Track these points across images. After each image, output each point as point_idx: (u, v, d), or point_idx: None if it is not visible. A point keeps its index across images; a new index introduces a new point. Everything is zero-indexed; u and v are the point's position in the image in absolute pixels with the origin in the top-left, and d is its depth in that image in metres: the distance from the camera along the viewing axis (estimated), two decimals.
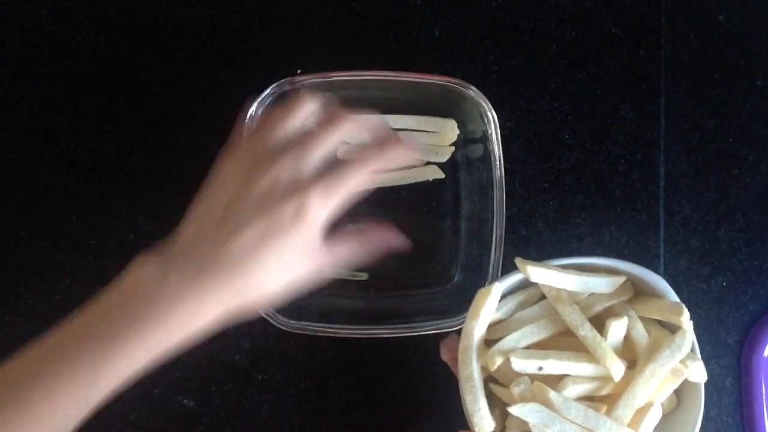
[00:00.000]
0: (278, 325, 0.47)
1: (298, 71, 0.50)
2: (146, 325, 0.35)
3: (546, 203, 0.53)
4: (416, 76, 0.48)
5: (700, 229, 0.54)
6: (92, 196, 0.53)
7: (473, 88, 0.47)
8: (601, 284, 0.42)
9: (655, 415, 0.39)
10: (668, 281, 0.54)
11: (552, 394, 0.38)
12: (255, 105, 0.47)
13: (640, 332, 0.41)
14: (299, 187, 0.36)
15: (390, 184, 0.52)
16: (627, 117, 0.54)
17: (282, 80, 0.48)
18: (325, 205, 0.36)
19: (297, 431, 0.52)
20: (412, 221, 0.53)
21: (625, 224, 0.53)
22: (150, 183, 0.53)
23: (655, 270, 0.53)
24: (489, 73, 0.54)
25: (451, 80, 0.47)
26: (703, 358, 0.54)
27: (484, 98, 0.47)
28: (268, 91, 0.47)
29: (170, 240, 0.38)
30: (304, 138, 0.38)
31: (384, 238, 0.42)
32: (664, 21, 0.54)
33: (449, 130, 0.51)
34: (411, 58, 0.54)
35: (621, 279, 0.42)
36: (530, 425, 0.38)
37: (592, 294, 0.42)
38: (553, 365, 0.39)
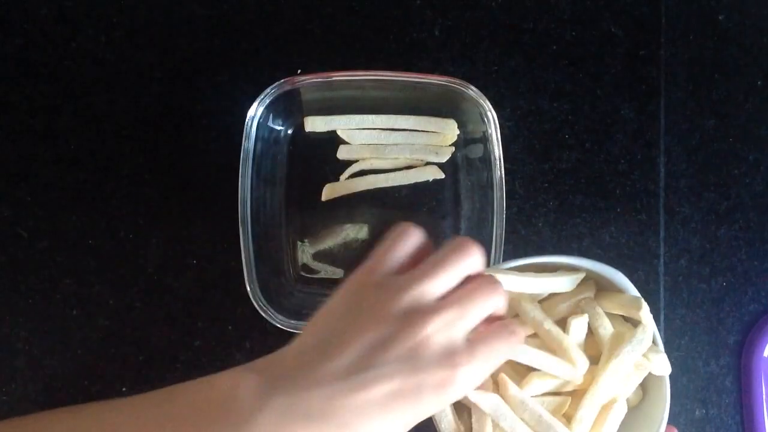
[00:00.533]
0: (278, 325, 0.47)
1: (298, 71, 0.50)
2: None
3: (546, 203, 0.53)
4: (416, 76, 0.48)
5: (700, 229, 0.54)
6: (92, 196, 0.53)
7: (473, 88, 0.47)
8: (560, 283, 0.41)
9: (620, 411, 0.39)
10: (668, 281, 0.54)
11: (513, 390, 0.38)
12: (255, 105, 0.47)
13: (606, 329, 0.40)
14: (451, 355, 0.32)
15: (390, 185, 0.52)
16: (627, 117, 0.54)
17: (282, 80, 0.48)
18: (471, 382, 0.32)
19: None
20: (412, 221, 0.53)
21: (625, 224, 0.53)
22: (150, 183, 0.53)
23: (655, 270, 0.53)
24: (489, 73, 0.54)
25: (451, 80, 0.47)
26: (703, 358, 0.54)
27: (484, 98, 0.47)
28: (268, 91, 0.48)
29: (276, 358, 0.33)
30: (463, 299, 0.33)
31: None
32: (664, 21, 0.54)
33: (449, 130, 0.51)
34: (411, 58, 0.54)
35: (580, 275, 0.41)
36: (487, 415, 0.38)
37: (555, 294, 0.42)
38: (520, 355, 0.39)
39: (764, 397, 0.53)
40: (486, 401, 0.38)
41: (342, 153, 0.51)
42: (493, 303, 0.34)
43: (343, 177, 0.52)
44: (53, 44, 0.53)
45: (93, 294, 0.52)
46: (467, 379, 0.32)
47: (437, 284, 0.33)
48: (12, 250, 0.52)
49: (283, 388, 0.31)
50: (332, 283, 0.52)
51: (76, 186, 0.53)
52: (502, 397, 0.38)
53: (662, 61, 0.54)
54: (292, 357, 0.33)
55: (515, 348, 0.35)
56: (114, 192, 0.53)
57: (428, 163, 0.52)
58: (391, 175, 0.52)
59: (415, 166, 0.52)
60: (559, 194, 0.53)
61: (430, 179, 0.52)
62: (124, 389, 0.52)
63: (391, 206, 0.52)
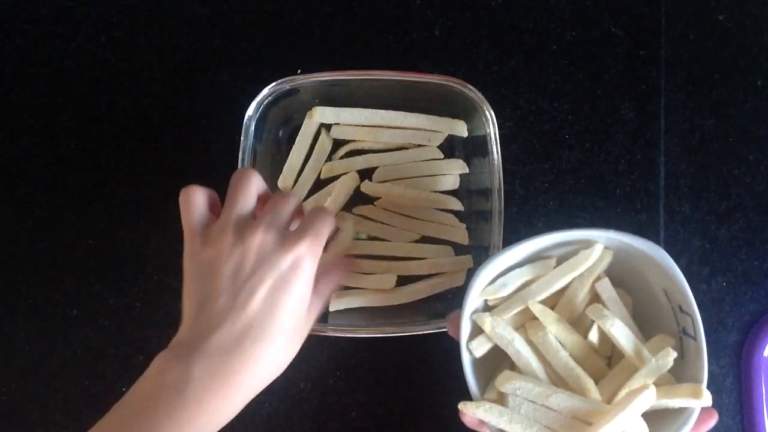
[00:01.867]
0: None
1: (298, 71, 0.50)
2: (182, 416, 0.35)
3: (546, 203, 0.53)
4: (416, 76, 0.48)
5: (700, 229, 0.54)
6: (92, 196, 0.53)
7: (472, 88, 0.47)
8: (576, 264, 0.40)
9: (648, 398, 0.38)
10: None
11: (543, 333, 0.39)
12: (254, 105, 0.48)
13: (618, 332, 0.40)
14: (288, 242, 0.38)
15: (388, 163, 0.52)
16: (627, 117, 0.54)
17: (282, 80, 0.48)
18: (315, 252, 0.39)
19: (297, 431, 0.52)
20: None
21: (625, 224, 0.53)
22: (150, 183, 0.53)
23: None
24: (489, 73, 0.54)
25: (451, 80, 0.47)
26: None
27: (484, 98, 0.47)
28: (267, 90, 0.48)
29: (180, 335, 0.38)
30: (271, 202, 0.40)
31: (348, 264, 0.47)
32: (664, 21, 0.54)
33: (459, 131, 0.51)
34: (411, 58, 0.54)
35: (598, 247, 0.40)
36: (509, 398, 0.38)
37: (569, 285, 0.41)
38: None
39: (764, 397, 0.53)
40: (514, 388, 0.38)
41: (335, 132, 0.51)
42: (291, 202, 0.41)
43: (337, 156, 0.52)
44: (53, 44, 0.53)
45: (93, 294, 0.52)
46: (310, 249, 0.38)
47: (240, 206, 0.39)
48: (12, 250, 0.52)
49: (197, 350, 0.36)
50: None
51: (76, 186, 0.53)
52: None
53: (662, 61, 0.54)
54: (189, 324, 0.38)
55: (330, 215, 0.40)
56: (114, 192, 0.53)
57: (446, 156, 0.52)
58: (390, 154, 0.52)
59: (436, 159, 0.52)
60: (559, 194, 0.53)
61: (429, 158, 0.52)
62: (124, 389, 0.52)
63: None
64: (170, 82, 0.53)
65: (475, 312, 0.41)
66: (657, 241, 0.53)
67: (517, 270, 0.41)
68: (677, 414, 0.39)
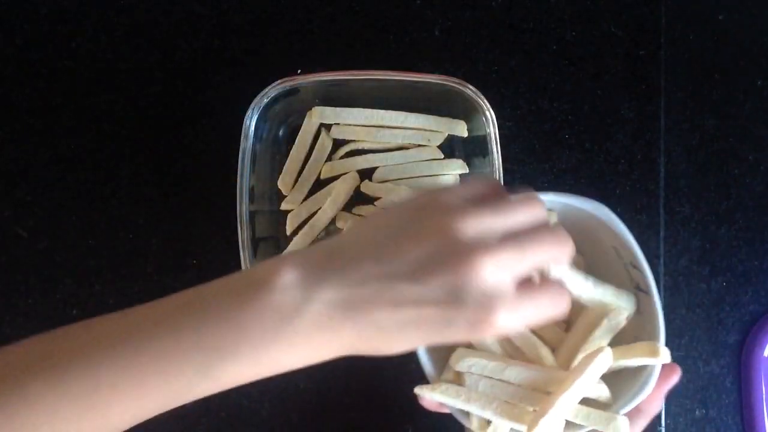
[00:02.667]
0: None
1: (298, 71, 0.50)
2: (269, 349, 0.31)
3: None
4: (416, 76, 0.48)
5: (700, 229, 0.54)
6: (92, 196, 0.53)
7: (473, 87, 0.47)
8: None
9: (605, 361, 0.37)
10: (668, 281, 0.54)
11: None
12: (254, 105, 0.47)
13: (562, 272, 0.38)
14: (493, 299, 0.30)
15: (388, 164, 0.52)
16: (627, 117, 0.54)
17: (282, 80, 0.48)
18: (503, 330, 0.31)
19: (297, 431, 0.52)
20: None
21: (625, 224, 0.53)
22: (150, 183, 0.53)
23: (655, 270, 0.53)
24: (489, 73, 0.54)
25: (451, 80, 0.47)
26: (703, 358, 0.54)
27: (484, 98, 0.47)
28: (267, 90, 0.48)
29: (322, 250, 0.32)
30: (524, 242, 0.32)
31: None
32: (664, 21, 0.54)
33: (459, 131, 0.51)
34: (411, 58, 0.54)
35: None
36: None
37: None
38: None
39: (764, 397, 0.53)
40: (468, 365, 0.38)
41: (335, 132, 0.51)
42: (553, 255, 0.33)
43: (337, 156, 0.52)
44: (53, 44, 0.53)
45: (93, 294, 0.52)
46: (500, 327, 0.31)
47: (503, 221, 0.32)
48: (12, 250, 0.52)
49: (329, 281, 0.30)
50: None
51: (76, 186, 0.53)
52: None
53: (662, 61, 0.54)
54: (337, 252, 0.32)
55: (558, 311, 0.33)
56: (114, 192, 0.53)
57: (446, 156, 0.52)
58: (389, 154, 0.52)
59: (437, 158, 0.52)
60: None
61: (429, 158, 0.52)
62: None
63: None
64: (170, 82, 0.53)
65: None
66: (657, 241, 0.53)
67: None
68: (638, 373, 0.38)
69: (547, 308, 0.33)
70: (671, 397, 0.54)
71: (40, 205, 0.53)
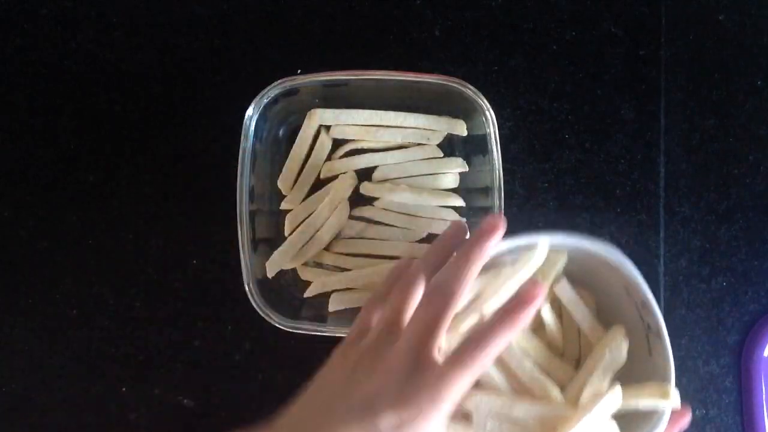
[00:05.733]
0: (278, 325, 0.47)
1: (298, 71, 0.50)
2: None
3: (546, 203, 0.53)
4: (416, 76, 0.48)
5: (700, 229, 0.54)
6: (92, 196, 0.53)
7: (472, 87, 0.47)
8: (520, 267, 0.38)
9: (614, 399, 0.37)
10: (668, 281, 0.54)
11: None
12: (254, 105, 0.47)
13: (565, 292, 0.39)
14: (436, 374, 0.33)
15: (388, 162, 0.52)
16: (627, 117, 0.54)
17: (282, 80, 0.48)
18: (460, 392, 0.33)
19: None
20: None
21: (625, 224, 0.53)
22: (150, 183, 0.53)
23: (655, 270, 0.53)
24: (489, 73, 0.54)
25: (451, 80, 0.47)
26: (703, 358, 0.54)
27: (484, 98, 0.47)
28: (267, 90, 0.47)
29: (283, 416, 0.36)
30: (421, 311, 0.35)
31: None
32: (664, 21, 0.54)
33: (459, 130, 0.51)
34: (411, 58, 0.54)
35: (540, 247, 0.39)
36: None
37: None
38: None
39: (764, 397, 0.53)
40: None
41: (335, 132, 0.51)
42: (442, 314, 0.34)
43: (336, 155, 0.52)
44: (53, 44, 0.53)
45: (93, 294, 0.52)
46: (457, 390, 0.32)
47: (397, 305, 0.36)
48: (12, 250, 0.52)
49: None
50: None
51: (76, 186, 0.53)
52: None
53: (662, 61, 0.54)
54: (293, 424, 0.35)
55: (513, 331, 0.34)
56: (114, 192, 0.53)
57: (445, 156, 0.52)
58: (389, 153, 0.52)
59: (436, 157, 0.52)
60: (559, 194, 0.53)
61: (429, 157, 0.52)
62: (124, 389, 0.52)
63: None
64: (170, 82, 0.53)
65: None
66: (657, 241, 0.53)
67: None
68: (649, 415, 0.38)
69: (497, 344, 0.33)
70: None
71: (40, 205, 0.53)
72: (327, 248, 0.52)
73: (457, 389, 0.33)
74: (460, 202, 0.52)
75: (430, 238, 0.52)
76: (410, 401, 0.32)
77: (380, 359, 0.34)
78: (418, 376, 0.33)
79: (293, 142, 0.51)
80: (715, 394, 0.54)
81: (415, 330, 0.34)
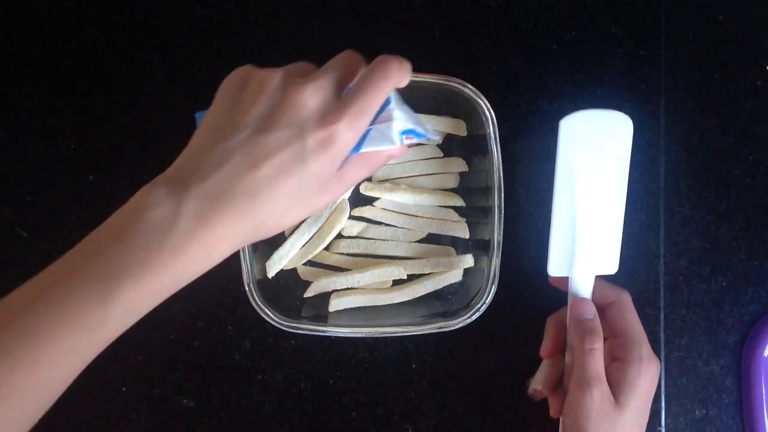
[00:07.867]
0: (278, 325, 0.47)
1: None
2: (159, 259, 0.32)
3: (546, 203, 0.53)
4: (416, 75, 0.48)
5: (700, 229, 0.54)
6: (92, 196, 0.53)
7: (472, 87, 0.47)
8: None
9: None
10: (668, 281, 0.54)
11: None
12: None
13: None
14: (328, 116, 0.34)
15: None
16: None
17: None
18: (353, 134, 0.34)
19: (297, 431, 0.52)
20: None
21: (625, 224, 0.53)
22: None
23: (655, 270, 0.53)
24: (489, 73, 0.54)
25: (450, 80, 0.47)
26: (703, 358, 0.54)
27: (484, 98, 0.47)
28: None
29: (179, 163, 0.36)
30: (337, 63, 0.37)
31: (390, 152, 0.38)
32: (664, 21, 0.54)
33: (459, 130, 0.51)
34: (411, 58, 0.54)
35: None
36: None
37: None
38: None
39: (764, 397, 0.53)
40: None
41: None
42: (357, 64, 0.38)
43: None
44: (53, 44, 0.53)
45: None
46: (346, 133, 0.34)
47: (332, 71, 0.36)
48: (12, 250, 0.52)
49: (191, 182, 0.33)
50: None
51: (76, 186, 0.53)
52: None
53: (662, 61, 0.54)
54: (193, 155, 0.35)
55: (394, 82, 0.36)
56: (114, 192, 0.53)
57: (447, 155, 0.52)
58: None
59: (436, 157, 0.52)
60: None
61: (429, 157, 0.52)
62: (124, 389, 0.52)
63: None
64: (170, 82, 0.53)
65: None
66: (657, 241, 0.53)
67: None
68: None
69: (376, 91, 0.35)
70: (671, 397, 0.54)
71: (40, 205, 0.53)
72: (327, 248, 0.52)
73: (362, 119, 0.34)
74: (460, 202, 0.52)
75: (430, 238, 0.52)
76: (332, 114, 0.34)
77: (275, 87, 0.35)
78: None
79: None
80: (715, 394, 0.54)
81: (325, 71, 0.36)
